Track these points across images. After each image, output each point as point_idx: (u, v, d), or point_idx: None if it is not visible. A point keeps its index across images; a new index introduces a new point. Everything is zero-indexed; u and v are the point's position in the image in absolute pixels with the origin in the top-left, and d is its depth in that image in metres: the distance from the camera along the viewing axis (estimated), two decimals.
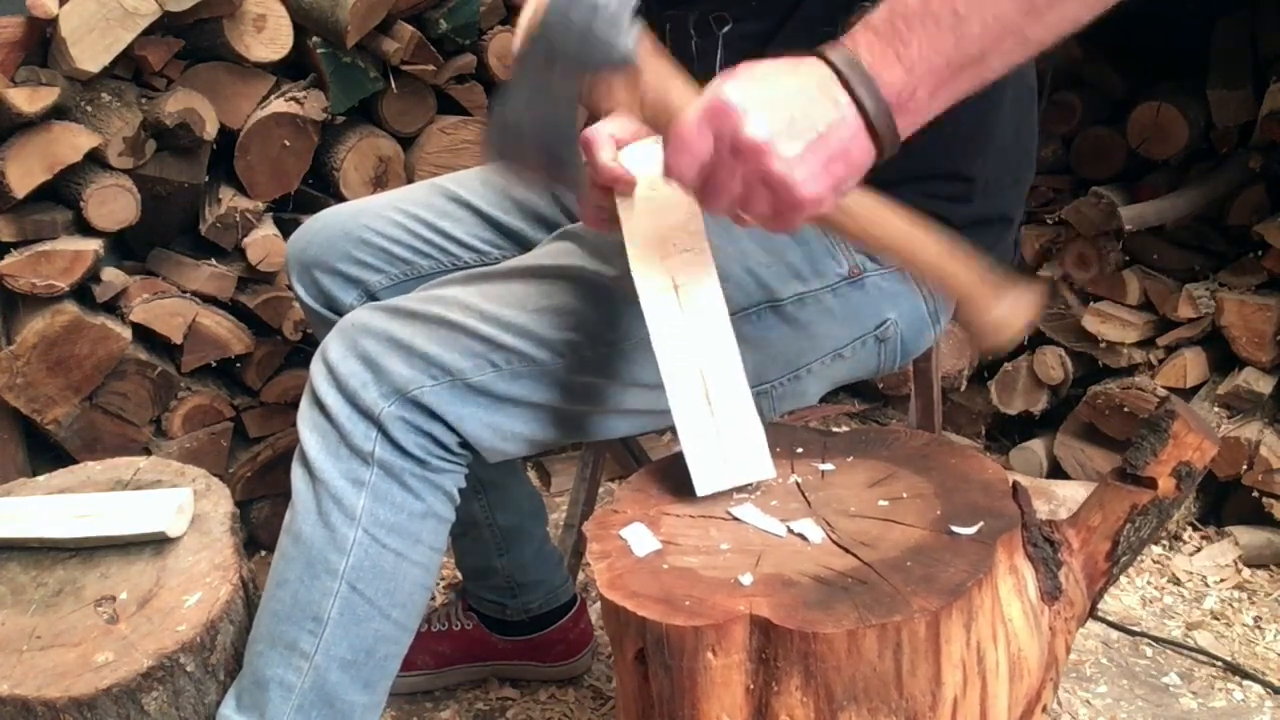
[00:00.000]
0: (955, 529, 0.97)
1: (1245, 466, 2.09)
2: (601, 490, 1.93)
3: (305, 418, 1.19)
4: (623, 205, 1.09)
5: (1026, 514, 1.00)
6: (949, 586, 0.89)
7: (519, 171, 1.02)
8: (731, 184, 0.90)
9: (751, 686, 0.91)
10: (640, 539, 1.00)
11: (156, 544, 1.32)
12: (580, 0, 0.90)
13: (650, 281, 1.07)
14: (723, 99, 0.88)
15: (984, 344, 0.98)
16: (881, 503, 1.04)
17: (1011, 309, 0.97)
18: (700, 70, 1.21)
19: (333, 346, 1.18)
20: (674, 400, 1.04)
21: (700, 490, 1.04)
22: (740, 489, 1.06)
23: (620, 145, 1.08)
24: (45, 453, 1.95)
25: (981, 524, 0.97)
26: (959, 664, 0.91)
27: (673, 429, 1.06)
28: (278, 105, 1.91)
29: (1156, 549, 2.17)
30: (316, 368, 1.19)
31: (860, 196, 0.95)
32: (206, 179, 1.93)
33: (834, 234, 0.96)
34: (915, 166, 1.05)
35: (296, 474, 1.19)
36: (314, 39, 1.90)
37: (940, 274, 0.98)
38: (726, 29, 1.19)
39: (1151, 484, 1.03)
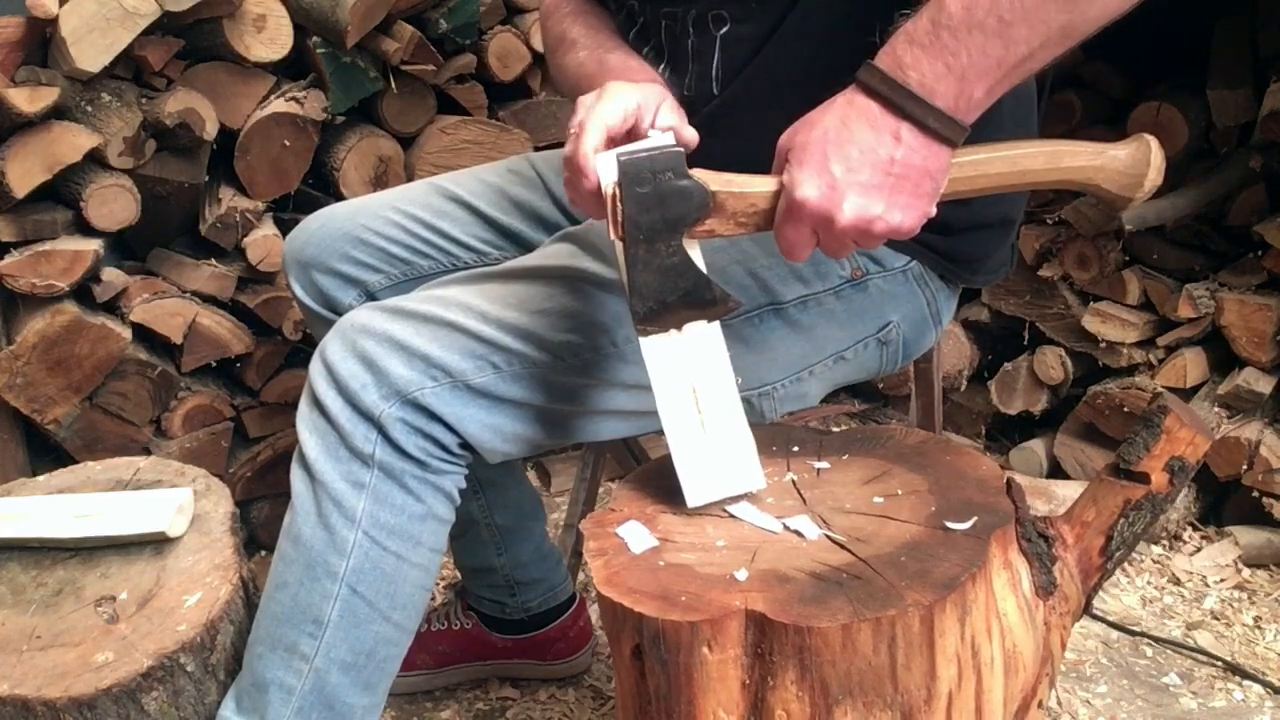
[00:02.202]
0: (949, 524, 0.97)
1: (1245, 466, 2.09)
2: (601, 490, 1.93)
3: (304, 419, 1.19)
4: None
5: (1020, 509, 1.00)
6: (943, 581, 0.90)
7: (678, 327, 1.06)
8: (845, 248, 0.98)
9: (747, 681, 0.91)
10: (637, 536, 1.00)
11: (156, 544, 1.32)
12: (644, 179, 0.98)
13: None
14: (801, 202, 0.94)
15: (1125, 203, 1.00)
16: (876, 499, 1.04)
17: (1135, 160, 0.99)
18: (696, 69, 1.22)
19: (332, 347, 1.17)
20: (665, 413, 1.04)
21: (691, 502, 1.04)
22: (731, 499, 1.06)
23: (613, 138, 1.05)
24: (45, 453, 1.96)
25: (975, 519, 0.98)
26: (954, 658, 0.91)
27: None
28: (278, 105, 1.91)
29: (1156, 549, 2.17)
30: (316, 368, 1.18)
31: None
32: (206, 179, 1.94)
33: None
34: None
35: (296, 475, 1.19)
36: (314, 39, 1.91)
37: (1055, 178, 1.01)
38: (725, 30, 1.19)
39: (1144, 479, 1.04)
